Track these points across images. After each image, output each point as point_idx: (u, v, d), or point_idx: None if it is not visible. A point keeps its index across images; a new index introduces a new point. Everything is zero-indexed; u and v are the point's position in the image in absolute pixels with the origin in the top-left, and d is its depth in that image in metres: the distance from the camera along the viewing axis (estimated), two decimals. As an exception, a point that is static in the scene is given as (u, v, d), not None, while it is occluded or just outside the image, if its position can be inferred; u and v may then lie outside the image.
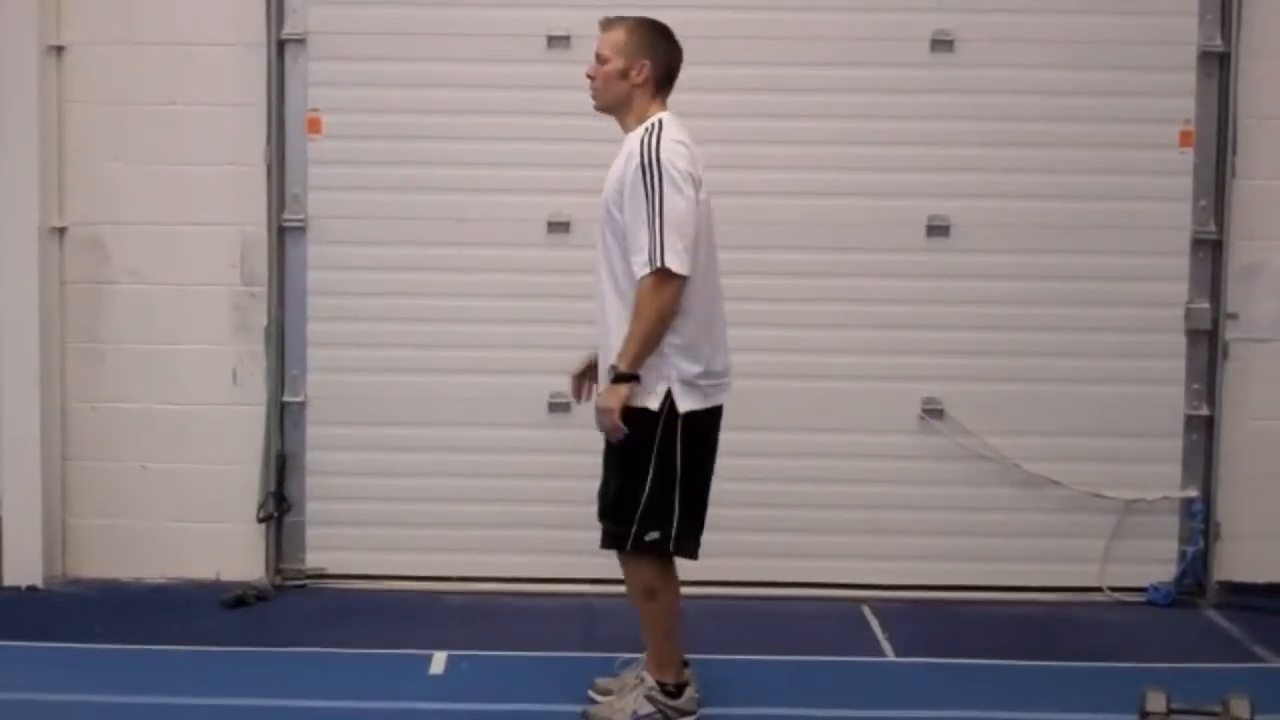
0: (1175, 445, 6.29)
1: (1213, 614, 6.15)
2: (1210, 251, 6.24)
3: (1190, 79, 6.17)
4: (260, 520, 6.30)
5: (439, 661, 5.35)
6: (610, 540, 4.67)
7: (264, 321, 6.27)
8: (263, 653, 5.52)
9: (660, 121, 4.53)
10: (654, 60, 4.58)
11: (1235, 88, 6.13)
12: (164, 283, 6.29)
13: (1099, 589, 6.29)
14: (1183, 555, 6.28)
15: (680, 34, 6.04)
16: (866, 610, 6.07)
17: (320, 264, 6.27)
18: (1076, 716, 4.95)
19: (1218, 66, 6.17)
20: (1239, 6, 6.10)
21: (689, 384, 4.52)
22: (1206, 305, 6.24)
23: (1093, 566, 6.30)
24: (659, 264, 4.34)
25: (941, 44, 6.19)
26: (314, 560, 6.36)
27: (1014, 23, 6.18)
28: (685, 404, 4.51)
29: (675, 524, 4.55)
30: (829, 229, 6.23)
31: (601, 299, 4.59)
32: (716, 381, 4.62)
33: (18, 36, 6.09)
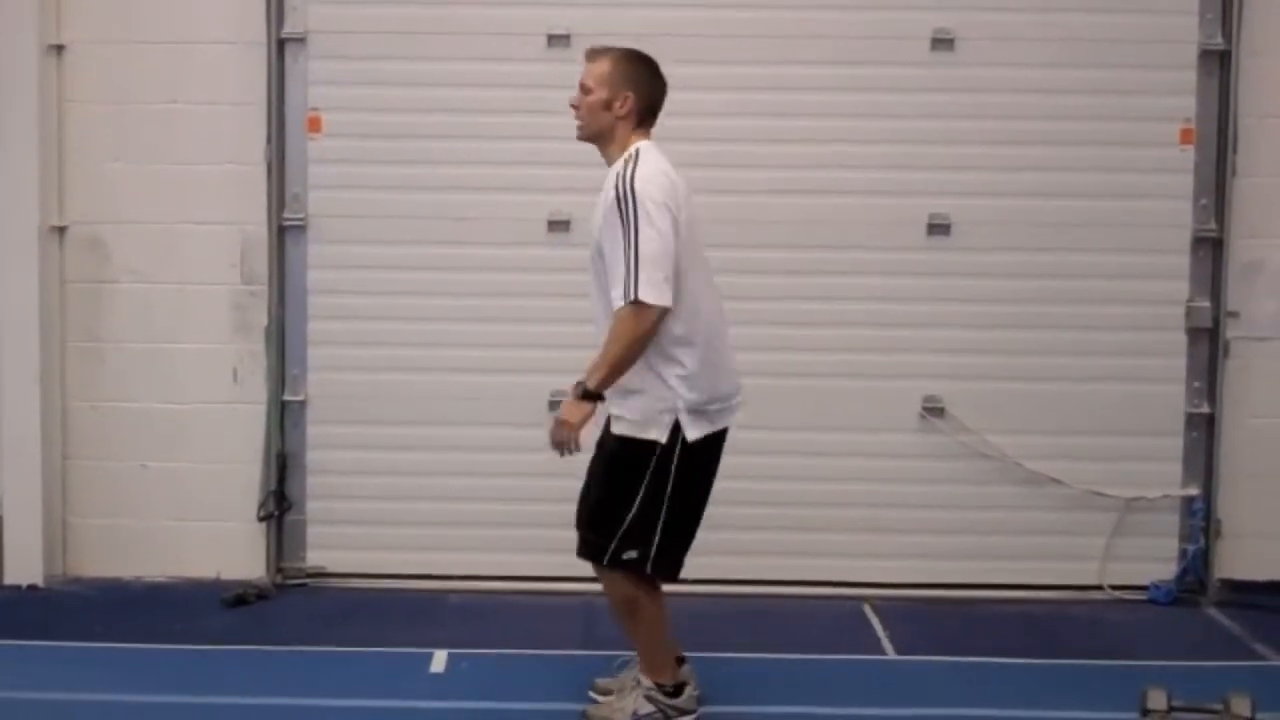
0: (1176, 443, 6.29)
1: (1214, 612, 6.15)
2: (1211, 250, 6.24)
3: (1191, 77, 6.17)
4: (261, 519, 6.30)
5: (439, 660, 5.35)
6: (587, 550, 4.64)
7: (264, 320, 6.28)
8: (263, 651, 5.52)
9: (638, 152, 4.50)
10: (638, 93, 4.56)
11: (1236, 86, 6.13)
12: (164, 282, 6.30)
13: (1100, 587, 6.29)
14: (1183, 553, 6.28)
15: (680, 32, 6.08)
16: (867, 608, 6.07)
17: (320, 263, 6.27)
18: (1077, 715, 4.95)
19: (1218, 65, 6.17)
20: (1239, 5, 6.10)
21: (697, 412, 4.50)
22: (1207, 303, 6.24)
23: (1093, 565, 6.30)
24: (633, 296, 4.31)
25: (942, 42, 6.19)
26: (314, 559, 6.36)
27: (1014, 21, 6.18)
28: (693, 433, 4.49)
29: (655, 545, 4.52)
30: (829, 227, 6.23)
31: (598, 323, 4.57)
32: (723, 405, 4.60)
33: (18, 36, 6.09)
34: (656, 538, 4.52)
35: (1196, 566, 6.28)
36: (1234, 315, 6.22)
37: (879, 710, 4.94)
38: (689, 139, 5.88)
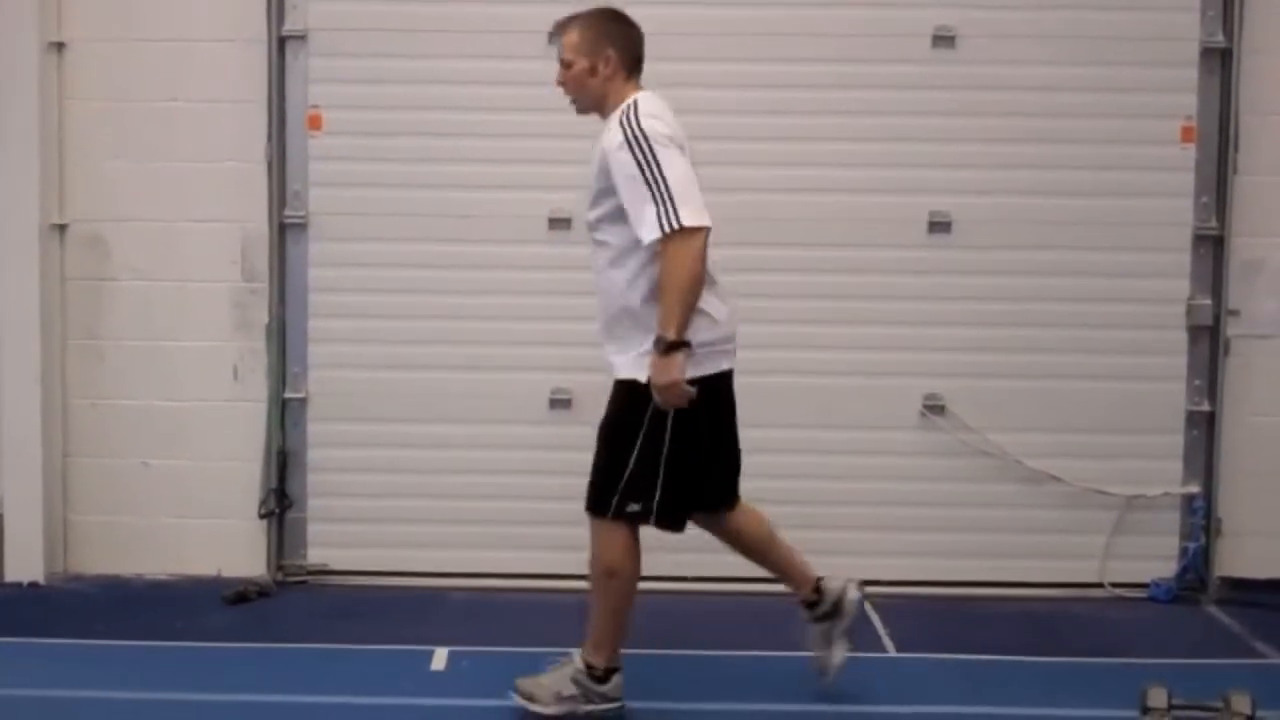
0: (1176, 441, 6.29)
1: (1214, 610, 6.15)
2: (1212, 247, 6.24)
3: (1192, 75, 6.17)
4: (262, 517, 6.30)
5: (440, 658, 5.35)
6: (593, 504, 4.62)
7: (265, 318, 6.28)
8: (264, 649, 5.52)
9: (635, 100, 4.48)
10: (616, 48, 4.54)
11: (1237, 84, 6.13)
12: (165, 279, 6.30)
13: (1100, 585, 6.30)
14: (1184, 551, 6.29)
15: (681, 30, 6.07)
16: (867, 606, 6.06)
17: (321, 261, 6.27)
18: (1078, 713, 4.94)
19: (1219, 62, 6.17)
20: (1240, 2, 6.10)
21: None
22: (1208, 301, 6.24)
23: (1094, 562, 6.30)
24: (676, 223, 4.26)
25: (943, 40, 6.18)
26: (315, 556, 6.36)
27: (1015, 18, 6.18)
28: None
29: (658, 497, 4.50)
30: (830, 225, 6.23)
31: (606, 295, 4.54)
32: (714, 349, 4.52)
33: (18, 34, 6.09)
34: (658, 489, 4.49)
35: (1197, 564, 6.28)
36: (1235, 313, 6.22)
37: (879, 707, 4.94)
38: (688, 136, 5.90)
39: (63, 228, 6.28)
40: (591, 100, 4.60)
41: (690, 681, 5.13)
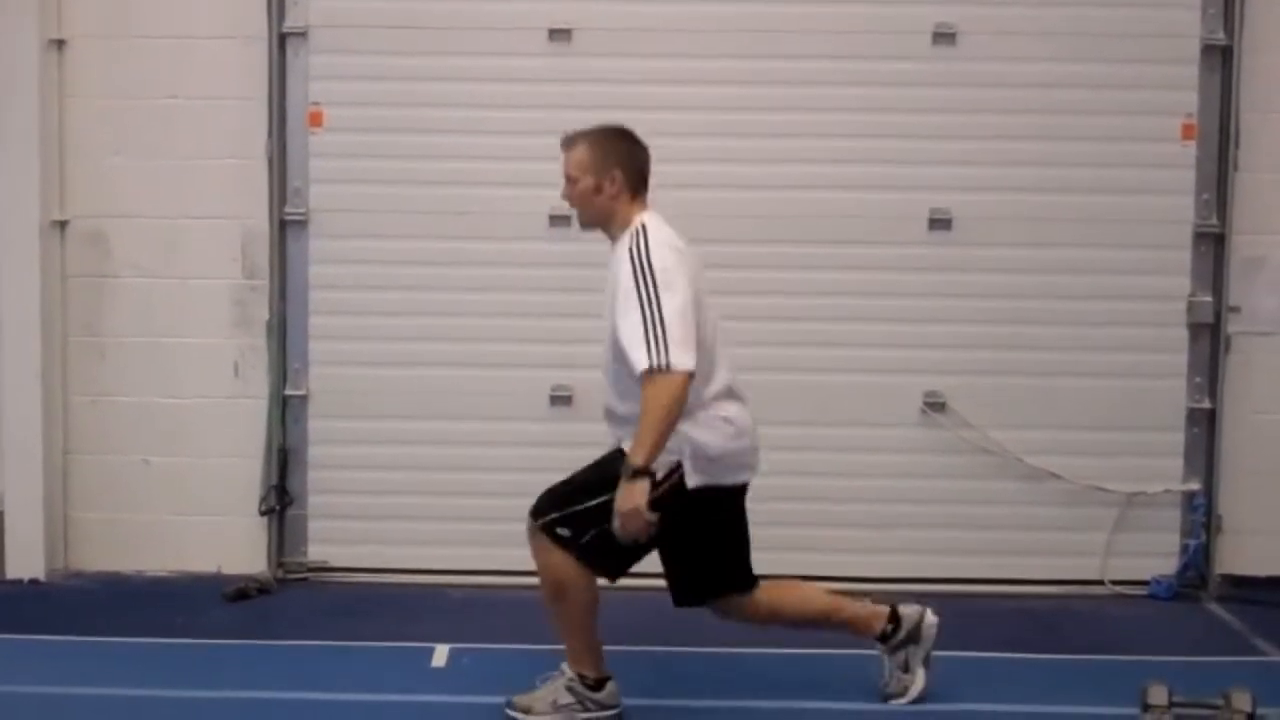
0: (1177, 439, 6.29)
1: (1214, 607, 6.15)
2: (1212, 245, 6.24)
3: (1193, 72, 6.17)
4: (262, 514, 6.30)
5: (441, 655, 5.35)
6: (536, 507, 4.62)
7: (265, 315, 6.28)
8: (265, 646, 5.52)
9: (644, 225, 4.47)
10: (623, 167, 4.53)
11: (1237, 81, 6.13)
12: (165, 276, 6.30)
13: (1101, 582, 6.30)
14: (1184, 549, 6.29)
15: (681, 28, 6.06)
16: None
17: (322, 258, 6.27)
18: (1078, 710, 4.94)
19: (1220, 60, 6.16)
20: (1241, 1, 6.09)
21: (706, 460, 4.46)
22: (1208, 299, 6.24)
23: (1094, 560, 6.30)
24: (664, 363, 4.25)
25: (943, 37, 6.18)
26: (316, 554, 6.37)
27: (1016, 15, 6.18)
28: (694, 480, 4.46)
29: (587, 539, 4.47)
30: (830, 222, 6.23)
31: (618, 396, 4.53)
32: (738, 460, 4.56)
33: (19, 31, 6.09)
34: (591, 535, 4.46)
35: (1197, 562, 6.28)
36: (1235, 310, 6.22)
37: (879, 705, 4.93)
38: (688, 134, 5.91)
39: (63, 224, 6.28)
40: (596, 217, 4.60)
41: (690, 680, 5.14)
